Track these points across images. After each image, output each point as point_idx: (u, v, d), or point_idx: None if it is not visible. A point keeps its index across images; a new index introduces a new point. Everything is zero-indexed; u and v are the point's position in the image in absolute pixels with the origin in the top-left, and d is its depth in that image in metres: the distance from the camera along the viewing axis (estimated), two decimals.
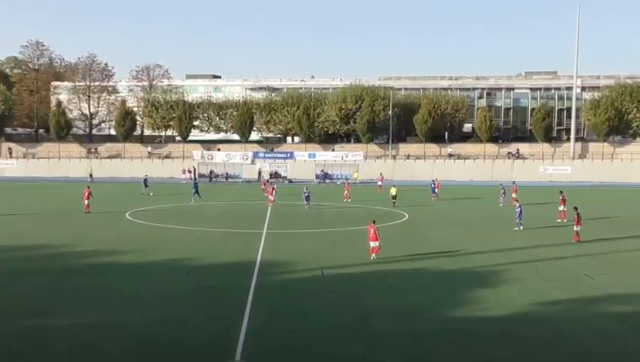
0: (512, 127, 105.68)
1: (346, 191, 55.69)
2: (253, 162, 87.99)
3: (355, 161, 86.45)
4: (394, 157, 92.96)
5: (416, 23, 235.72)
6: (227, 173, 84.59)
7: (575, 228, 33.21)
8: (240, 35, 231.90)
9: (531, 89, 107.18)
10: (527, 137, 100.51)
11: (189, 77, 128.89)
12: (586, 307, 20.33)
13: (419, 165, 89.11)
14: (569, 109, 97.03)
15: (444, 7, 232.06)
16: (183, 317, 18.82)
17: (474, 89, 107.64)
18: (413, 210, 47.10)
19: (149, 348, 16.24)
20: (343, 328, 17.83)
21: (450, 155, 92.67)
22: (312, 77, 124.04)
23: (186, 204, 50.99)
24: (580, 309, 20.05)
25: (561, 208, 41.85)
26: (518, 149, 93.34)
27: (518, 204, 39.35)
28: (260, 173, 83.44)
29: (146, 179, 61.45)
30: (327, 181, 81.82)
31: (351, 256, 28.70)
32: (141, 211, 45.80)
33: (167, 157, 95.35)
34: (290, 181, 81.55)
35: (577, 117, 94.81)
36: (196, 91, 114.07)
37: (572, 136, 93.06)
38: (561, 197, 42.36)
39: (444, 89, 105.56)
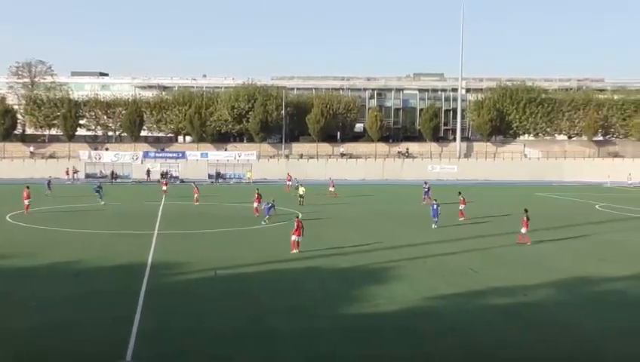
0: (401, 127, 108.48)
1: (195, 195, 52.33)
2: (142, 162, 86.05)
3: (248, 161, 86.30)
4: (287, 156, 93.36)
5: (307, 23, 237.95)
6: (116, 174, 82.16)
7: (522, 230, 32.69)
8: (128, 32, 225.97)
9: (419, 90, 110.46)
10: (416, 137, 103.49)
11: (74, 74, 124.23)
12: (471, 300, 21.14)
13: (312, 164, 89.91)
14: (455, 110, 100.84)
15: (334, 8, 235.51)
16: (69, 322, 18.07)
17: (365, 89, 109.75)
18: (306, 209, 47.41)
19: (31, 356, 15.50)
20: (238, 328, 17.69)
21: (343, 155, 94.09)
22: (204, 76, 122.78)
23: (71, 205, 49.02)
24: (466, 302, 20.83)
25: (461, 207, 42.65)
26: (407, 148, 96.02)
27: (435, 203, 39.56)
28: (148, 172, 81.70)
29: (49, 181, 58.94)
30: (220, 181, 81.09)
31: (245, 255, 28.52)
32: (23, 213, 43.62)
33: (51, 157, 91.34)
34: (182, 181, 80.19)
35: (463, 117, 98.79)
36: (82, 89, 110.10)
37: (458, 135, 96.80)
38: (460, 198, 43.17)
39: (335, 89, 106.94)
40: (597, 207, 52.80)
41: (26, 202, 43.76)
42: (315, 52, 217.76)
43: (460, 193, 44.18)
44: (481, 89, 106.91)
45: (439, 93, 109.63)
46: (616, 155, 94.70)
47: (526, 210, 33.20)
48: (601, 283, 24.13)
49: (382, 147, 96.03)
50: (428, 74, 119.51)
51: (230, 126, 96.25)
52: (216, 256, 28.47)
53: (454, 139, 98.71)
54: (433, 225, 37.98)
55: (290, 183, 66.35)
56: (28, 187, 45.20)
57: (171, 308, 19.77)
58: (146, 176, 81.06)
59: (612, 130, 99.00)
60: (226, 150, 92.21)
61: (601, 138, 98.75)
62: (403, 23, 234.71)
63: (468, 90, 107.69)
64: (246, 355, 15.75)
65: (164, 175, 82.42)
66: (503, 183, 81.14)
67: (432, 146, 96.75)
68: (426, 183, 56.48)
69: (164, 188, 60.65)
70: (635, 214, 47.61)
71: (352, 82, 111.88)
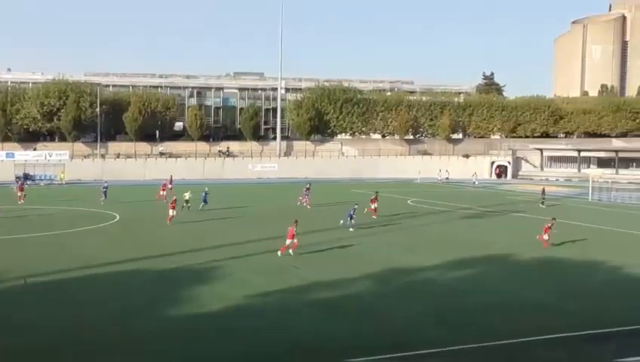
0: (222, 126, 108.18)
1: (19, 195, 49.82)
2: None
3: (60, 161, 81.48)
4: (103, 156, 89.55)
5: (122, 19, 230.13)
6: None
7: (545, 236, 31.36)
8: None
9: (240, 89, 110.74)
10: (236, 136, 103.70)
11: None
12: (294, 297, 21.51)
13: (130, 164, 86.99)
14: (275, 109, 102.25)
15: (152, 7, 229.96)
16: None
17: (184, 88, 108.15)
18: (124, 210, 45.79)
19: None
20: (52, 339, 16.64)
21: (162, 154, 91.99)
22: (9, 70, 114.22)
23: None
24: (289, 299, 21.16)
25: (373, 206, 42.56)
26: (228, 147, 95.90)
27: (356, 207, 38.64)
28: None
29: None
30: (28, 182, 75.90)
31: (61, 261, 26.87)
32: None
33: None
34: None
35: (282, 117, 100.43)
36: None
37: (278, 134, 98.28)
38: (373, 197, 43.47)
39: (154, 87, 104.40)
40: (409, 202, 55.94)
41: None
42: (132, 48, 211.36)
43: (377, 192, 44.84)
44: (301, 89, 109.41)
45: (259, 92, 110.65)
46: (425, 153, 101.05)
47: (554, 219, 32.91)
48: (412, 273, 25.61)
49: (202, 146, 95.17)
50: (248, 73, 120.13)
51: (40, 124, 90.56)
52: (27, 263, 26.48)
53: (275, 138, 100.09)
54: (350, 228, 36.91)
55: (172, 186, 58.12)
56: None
57: None
58: None
59: (421, 129, 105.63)
60: (34, 150, 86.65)
61: (411, 137, 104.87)
62: (223, 23, 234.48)
63: (287, 90, 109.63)
64: None
65: None
66: (322, 181, 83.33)
67: (253, 145, 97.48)
68: (309, 184, 54.36)
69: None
70: (441, 208, 51.04)
71: (170, 80, 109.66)
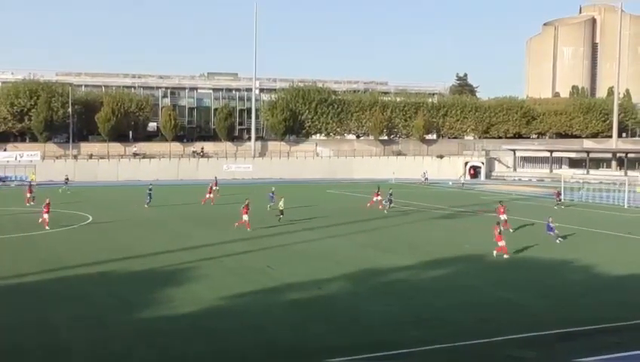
0: (196, 127, 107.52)
1: None
2: None
3: (31, 162, 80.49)
4: (75, 157, 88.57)
5: (94, 20, 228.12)
6: None
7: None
8: None
9: (214, 89, 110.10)
10: (211, 136, 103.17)
11: None
12: (267, 297, 21.48)
13: (103, 165, 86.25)
14: (249, 110, 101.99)
15: (126, 7, 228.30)
16: None
17: (158, 88, 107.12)
18: (98, 211, 45.35)
19: None
20: (25, 345, 16.38)
21: (136, 155, 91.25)
22: None
23: None
24: (262, 299, 21.12)
25: (503, 217, 37.97)
26: (202, 148, 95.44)
27: (551, 220, 35.08)
28: None
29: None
30: None
31: (29, 264, 26.53)
32: None
33: None
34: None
35: (257, 117, 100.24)
36: None
37: (252, 135, 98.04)
38: (500, 207, 39.47)
39: (127, 87, 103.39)
40: (384, 202, 56.01)
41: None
42: (105, 48, 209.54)
43: (500, 202, 41.08)
44: (275, 89, 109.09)
45: (233, 92, 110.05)
46: (399, 154, 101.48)
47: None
48: (387, 273, 25.66)
49: (176, 147, 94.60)
50: (222, 73, 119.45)
51: (10, 124, 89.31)
52: None
53: (249, 139, 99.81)
54: (558, 240, 33.62)
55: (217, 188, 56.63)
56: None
57: None
58: None
59: (395, 130, 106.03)
60: (5, 150, 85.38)
61: (386, 137, 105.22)
62: (197, 22, 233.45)
63: (262, 90, 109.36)
64: None
65: None
66: (297, 181, 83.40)
67: (227, 146, 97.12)
68: (390, 189, 52.30)
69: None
70: (414, 208, 51.28)
71: (143, 80, 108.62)
